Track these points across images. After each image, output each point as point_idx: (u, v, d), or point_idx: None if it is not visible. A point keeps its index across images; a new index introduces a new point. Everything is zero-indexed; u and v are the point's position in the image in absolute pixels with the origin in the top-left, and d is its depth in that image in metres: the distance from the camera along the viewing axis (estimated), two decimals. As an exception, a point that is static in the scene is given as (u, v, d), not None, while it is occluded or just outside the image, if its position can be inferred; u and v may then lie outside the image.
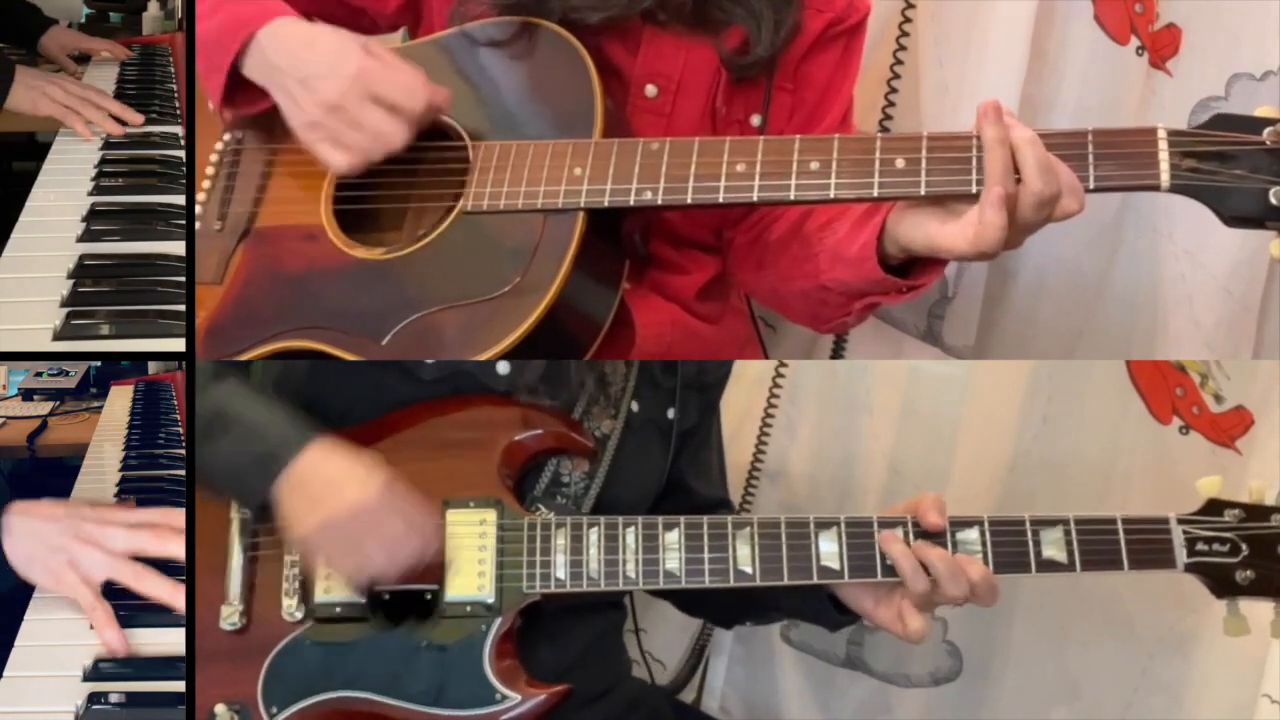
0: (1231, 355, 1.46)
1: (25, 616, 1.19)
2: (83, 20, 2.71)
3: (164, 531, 1.14)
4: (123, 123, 1.75)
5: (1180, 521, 1.06)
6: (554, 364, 1.12)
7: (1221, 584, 1.05)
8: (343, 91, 1.06)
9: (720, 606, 1.30)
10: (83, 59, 2.08)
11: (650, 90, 1.17)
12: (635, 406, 1.17)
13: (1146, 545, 1.06)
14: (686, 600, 1.36)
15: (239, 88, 1.13)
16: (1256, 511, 1.06)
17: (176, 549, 1.15)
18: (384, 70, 1.08)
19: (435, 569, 1.06)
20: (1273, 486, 1.08)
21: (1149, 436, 1.45)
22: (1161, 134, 0.97)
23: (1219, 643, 1.38)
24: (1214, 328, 1.48)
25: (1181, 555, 1.05)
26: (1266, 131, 0.96)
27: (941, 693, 1.61)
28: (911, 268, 1.06)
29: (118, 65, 2.08)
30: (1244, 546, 1.05)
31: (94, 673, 1.09)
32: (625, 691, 1.23)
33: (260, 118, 1.20)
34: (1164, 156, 0.97)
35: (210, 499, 1.09)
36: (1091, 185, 0.98)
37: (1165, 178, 0.97)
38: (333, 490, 1.01)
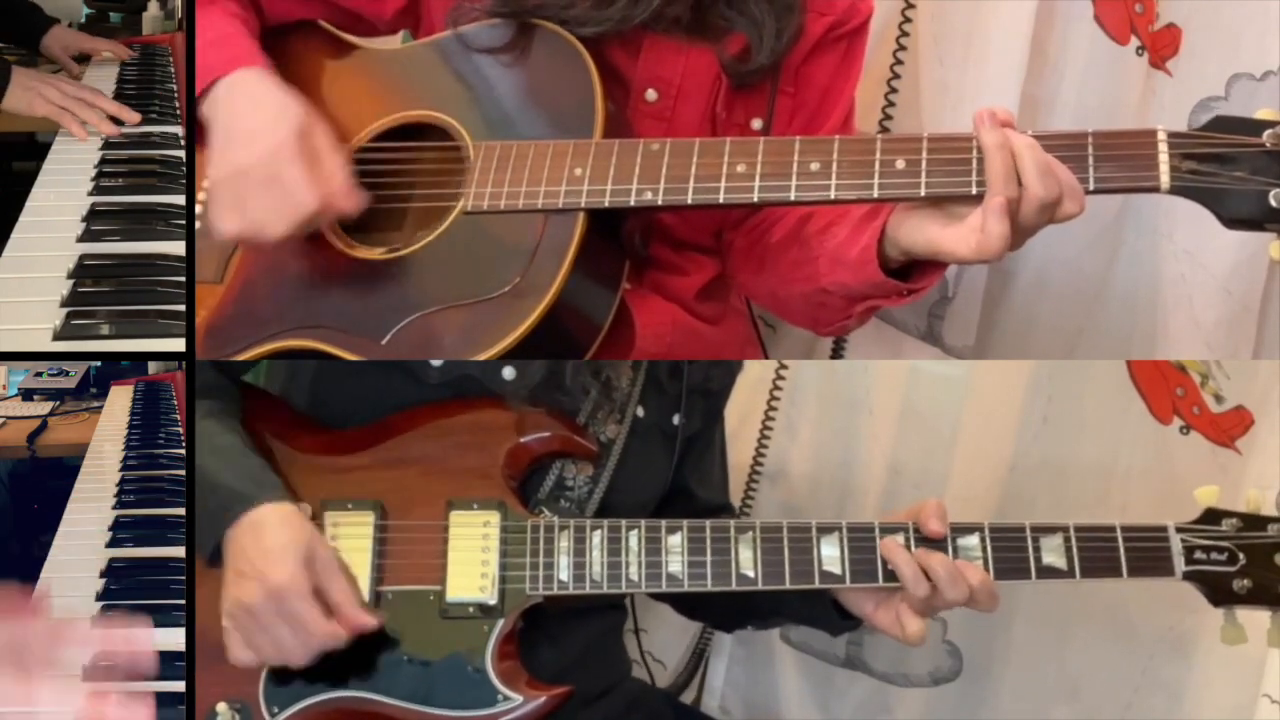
0: (1231, 355, 1.46)
1: (25, 617, 1.19)
2: (83, 20, 2.70)
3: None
4: (119, 122, 1.75)
5: (1179, 530, 1.06)
6: (558, 368, 1.13)
7: (1219, 593, 1.06)
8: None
9: (722, 611, 1.30)
10: (83, 59, 2.08)
11: (650, 95, 1.17)
12: (641, 412, 1.17)
13: (1145, 553, 1.06)
14: (688, 604, 1.36)
15: None
16: (1254, 521, 1.07)
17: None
18: (314, 130, 1.08)
19: (437, 566, 1.06)
20: (1271, 489, 1.08)
21: (1149, 436, 1.45)
22: (1161, 136, 0.97)
23: (1219, 644, 1.37)
24: (1214, 328, 1.48)
25: (1180, 564, 1.06)
26: (1266, 134, 0.96)
27: (941, 693, 1.61)
28: (912, 271, 1.06)
29: (118, 65, 2.08)
30: (1241, 556, 1.06)
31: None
32: (625, 692, 1.23)
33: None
34: (1164, 158, 0.97)
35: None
36: (1091, 187, 0.98)
37: (1165, 180, 0.97)
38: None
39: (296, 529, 1.02)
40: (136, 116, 1.77)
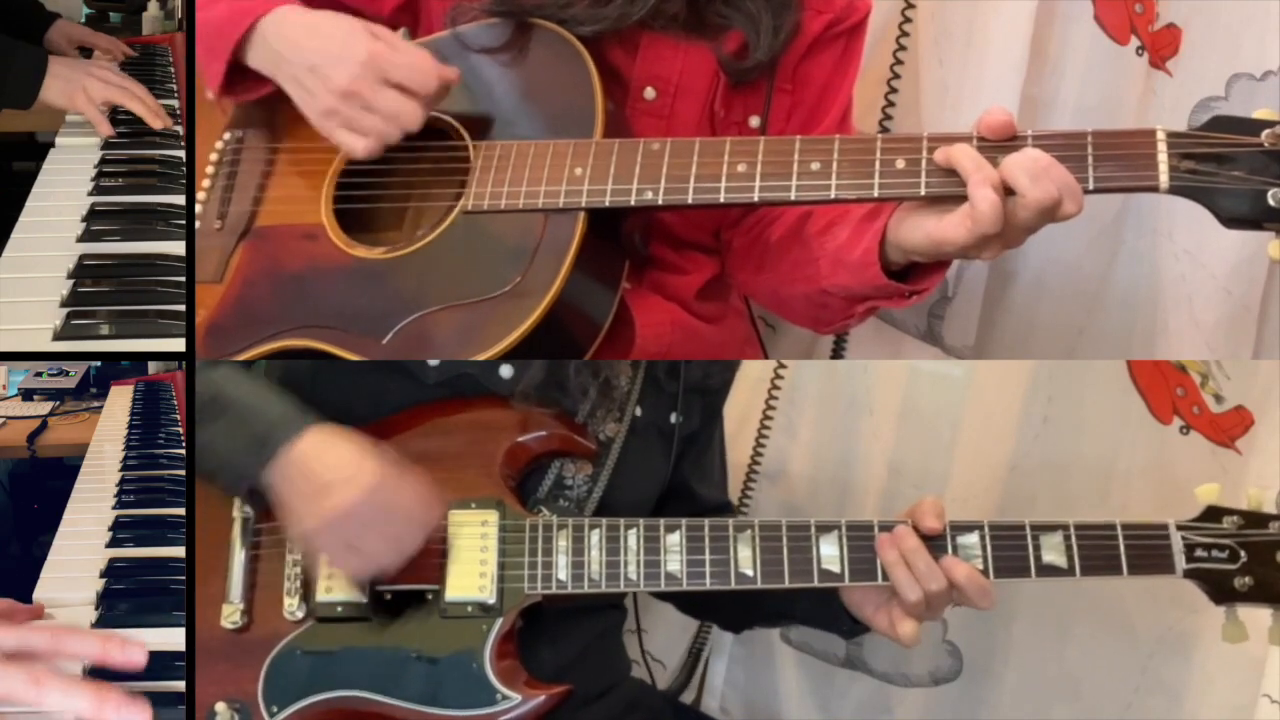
0: (1231, 355, 1.46)
1: (25, 617, 1.19)
2: (83, 20, 2.71)
3: (42, 674, 0.82)
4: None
5: (1179, 528, 1.06)
6: (557, 368, 1.13)
7: (1220, 590, 1.06)
8: (355, 77, 1.06)
9: (729, 611, 1.30)
10: (85, 53, 2.08)
11: (649, 93, 1.17)
12: (639, 411, 1.17)
13: (1146, 551, 1.06)
14: (694, 603, 1.36)
15: (238, 75, 1.13)
16: (1255, 518, 1.06)
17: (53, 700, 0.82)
18: (393, 53, 1.07)
19: (436, 566, 1.06)
20: (1271, 489, 1.08)
21: (1149, 436, 1.45)
22: (1160, 136, 0.97)
23: (1219, 643, 1.37)
24: (1214, 328, 1.48)
25: (1180, 561, 1.06)
26: (1265, 133, 0.96)
27: (941, 693, 1.61)
28: (913, 272, 1.06)
29: (117, 65, 2.08)
30: (1243, 553, 1.06)
31: (94, 672, 1.09)
32: (624, 691, 1.23)
33: (260, 116, 1.20)
34: (1163, 158, 0.97)
35: (207, 486, 1.09)
36: (1091, 186, 0.98)
37: (1164, 179, 0.97)
38: (328, 486, 1.00)
39: (361, 438, 1.02)
40: (168, 121, 1.74)
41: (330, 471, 1.01)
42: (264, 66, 1.11)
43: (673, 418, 1.21)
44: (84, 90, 1.66)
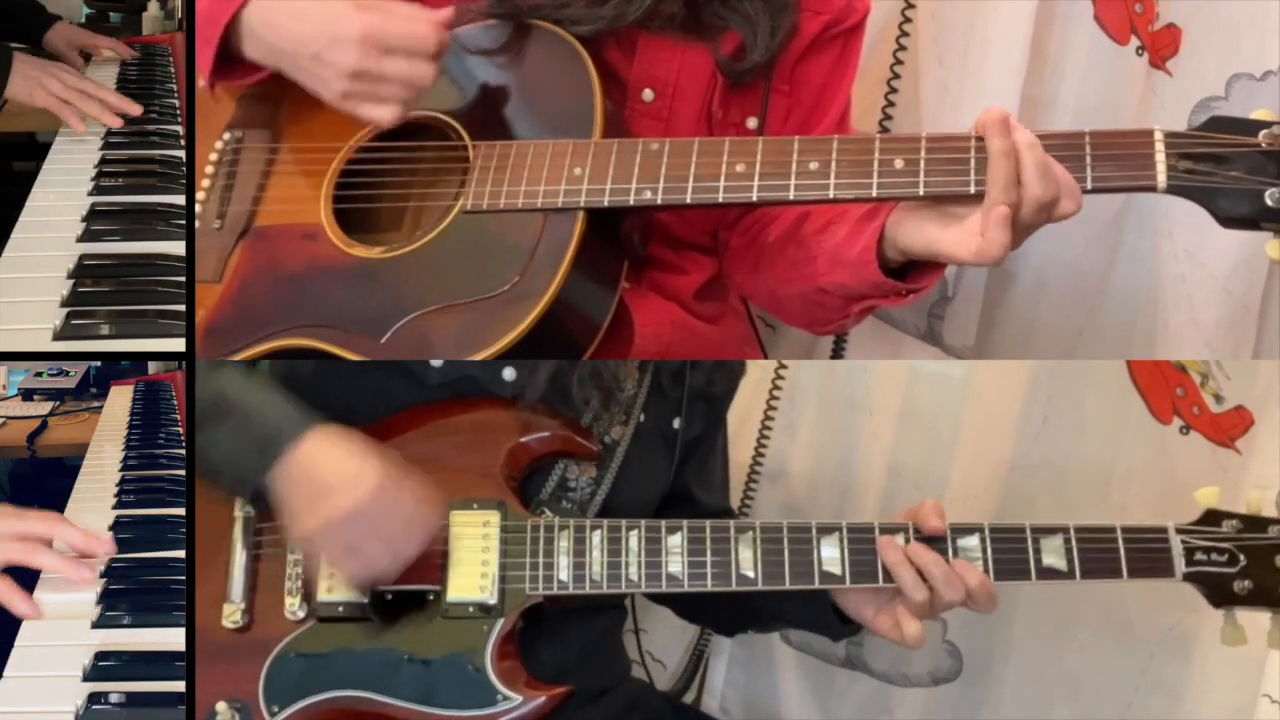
0: (1231, 355, 1.46)
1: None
2: (83, 20, 2.71)
3: (31, 544, 1.17)
4: (122, 115, 1.73)
5: (1179, 531, 1.06)
6: (560, 370, 1.12)
7: (1219, 594, 1.06)
8: (358, 56, 1.05)
9: (722, 614, 1.30)
10: (84, 57, 2.08)
11: (647, 95, 1.17)
12: (643, 417, 1.17)
13: (1146, 554, 1.06)
14: (688, 607, 1.36)
15: (230, 62, 1.12)
16: (1254, 522, 1.07)
17: (43, 560, 1.18)
18: (386, 21, 1.06)
19: (437, 567, 1.06)
20: (1271, 490, 1.08)
21: (1149, 436, 1.45)
22: (1158, 136, 0.98)
23: (1219, 644, 1.37)
24: (1214, 328, 1.48)
25: (1180, 565, 1.06)
26: (1262, 134, 0.96)
27: (941, 693, 1.61)
28: (910, 271, 1.06)
29: (118, 65, 2.08)
30: (1242, 557, 1.06)
31: (94, 673, 1.10)
32: (625, 692, 1.23)
33: (260, 116, 1.20)
34: (1160, 158, 0.97)
35: (209, 488, 1.09)
36: (1089, 186, 0.98)
37: (1162, 179, 0.97)
38: (329, 490, 1.00)
39: (363, 439, 1.02)
40: (138, 108, 1.75)
41: (332, 475, 1.01)
42: (264, 58, 1.11)
43: (675, 423, 1.21)
44: (42, 86, 1.69)
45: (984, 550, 1.07)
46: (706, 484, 1.30)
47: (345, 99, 1.07)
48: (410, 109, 1.08)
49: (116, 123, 1.72)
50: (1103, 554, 1.06)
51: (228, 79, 1.14)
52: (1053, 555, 1.06)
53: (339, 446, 1.03)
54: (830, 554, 1.07)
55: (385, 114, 1.07)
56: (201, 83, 1.17)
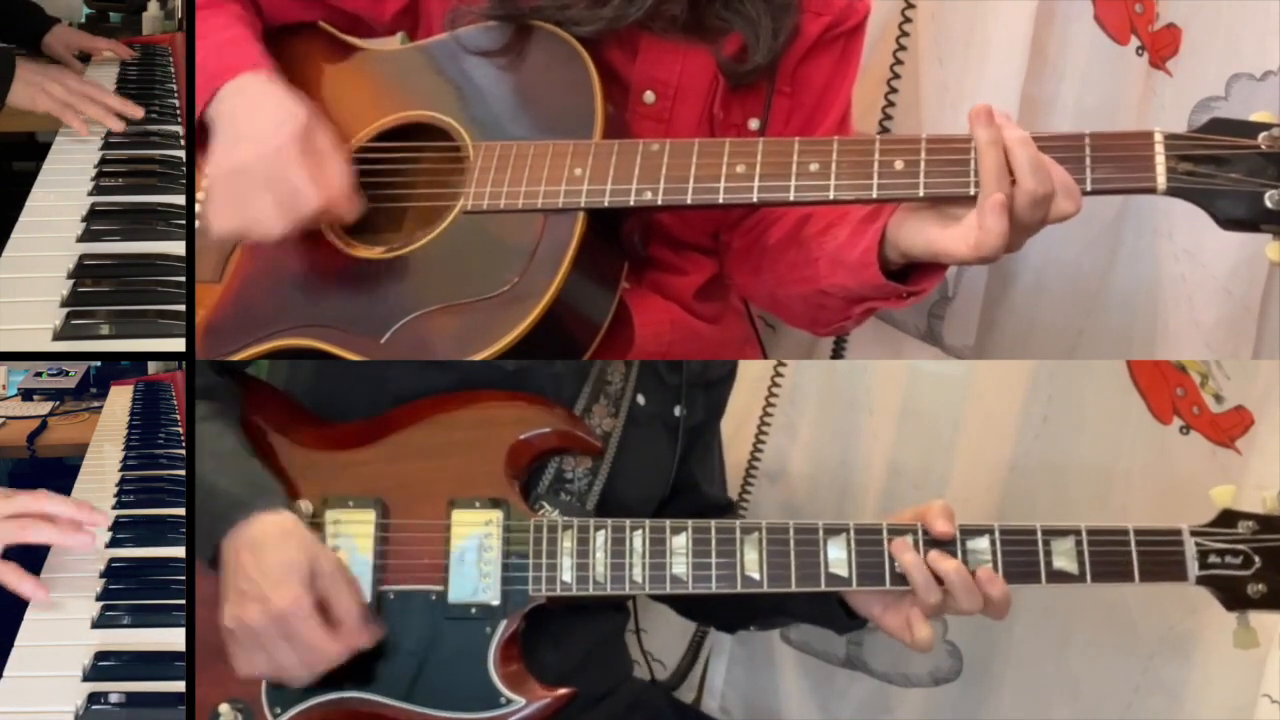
0: (1231, 355, 1.46)
1: (25, 616, 1.19)
2: (83, 20, 2.71)
3: (25, 521, 1.19)
4: (123, 118, 1.74)
5: (1193, 533, 1.05)
6: (553, 364, 1.12)
7: (1233, 597, 1.04)
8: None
9: (724, 612, 1.30)
10: (84, 58, 2.08)
11: (648, 96, 1.17)
12: (641, 400, 1.17)
13: (1158, 557, 1.04)
14: (689, 605, 1.36)
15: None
16: (1270, 523, 1.05)
17: (39, 534, 1.20)
18: (318, 132, 1.09)
19: (439, 566, 1.05)
20: (1271, 490, 1.07)
21: (1149, 436, 1.45)
22: (1158, 137, 0.98)
23: (1219, 643, 1.38)
24: (1214, 328, 1.48)
25: (1193, 568, 1.04)
26: (1262, 136, 0.96)
27: (941, 693, 1.61)
28: (911, 273, 1.06)
29: (118, 65, 2.08)
30: (1256, 559, 1.04)
31: (94, 673, 1.10)
32: (626, 692, 1.23)
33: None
34: (1160, 160, 0.97)
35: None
36: (1089, 188, 0.98)
37: (1161, 181, 0.97)
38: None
39: (297, 543, 1.00)
40: (139, 111, 1.76)
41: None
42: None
43: (677, 410, 1.21)
44: (45, 91, 1.70)
45: (994, 553, 1.05)
46: (710, 476, 1.31)
47: (222, 181, 1.08)
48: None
49: (119, 126, 1.73)
50: (1115, 557, 1.05)
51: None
52: (1064, 558, 1.05)
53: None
54: (837, 555, 1.06)
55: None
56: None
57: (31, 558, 1.26)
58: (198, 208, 1.19)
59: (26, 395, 2.79)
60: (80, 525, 1.24)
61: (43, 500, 1.22)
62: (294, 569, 0.98)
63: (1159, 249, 1.51)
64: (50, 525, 1.21)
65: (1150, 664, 1.45)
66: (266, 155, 1.06)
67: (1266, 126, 0.97)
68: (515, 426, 1.10)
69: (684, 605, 1.36)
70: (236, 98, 1.10)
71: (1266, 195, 0.95)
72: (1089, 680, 1.50)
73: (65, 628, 1.19)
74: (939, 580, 1.04)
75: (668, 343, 1.20)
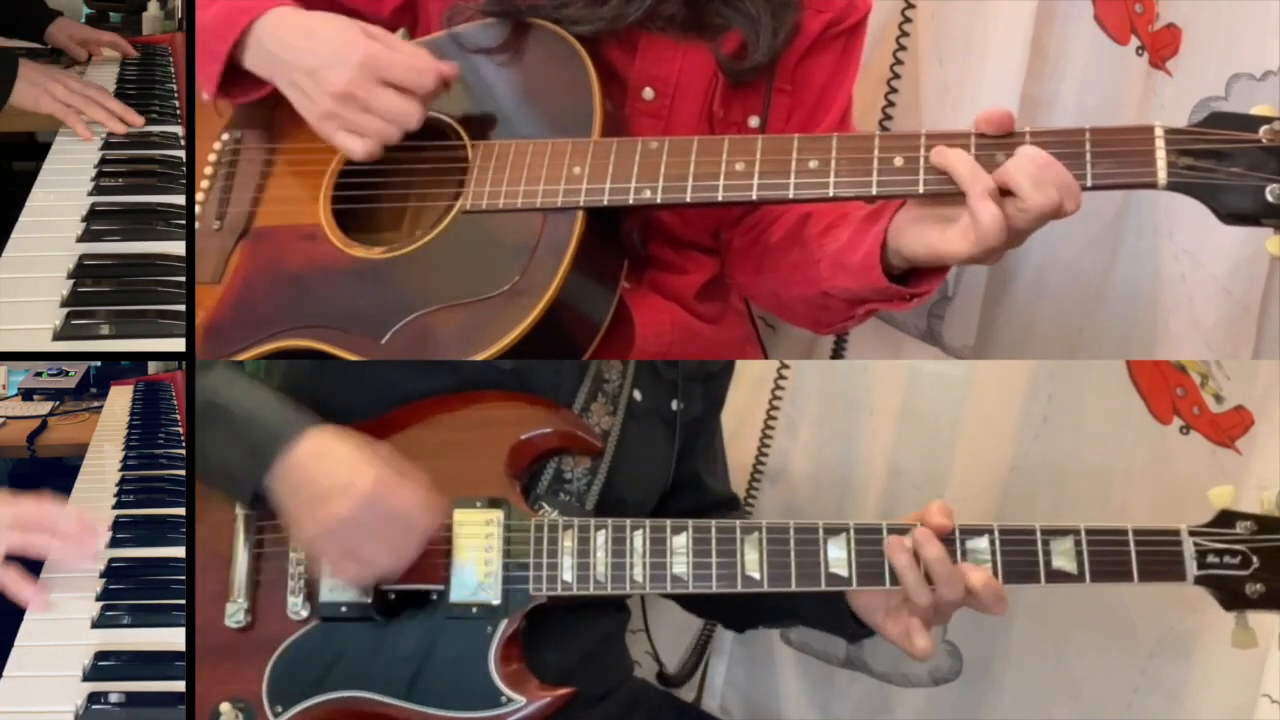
0: (1231, 355, 1.46)
1: (25, 616, 1.19)
2: (83, 20, 2.70)
3: (31, 534, 1.18)
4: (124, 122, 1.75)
5: (1192, 534, 1.05)
6: (551, 364, 1.12)
7: (1231, 597, 1.04)
8: (351, 79, 1.06)
9: (734, 611, 1.30)
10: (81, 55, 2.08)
11: (648, 94, 1.17)
12: (638, 395, 1.17)
13: (1157, 557, 1.05)
14: (697, 603, 1.36)
15: (235, 77, 1.13)
16: (1268, 523, 1.05)
17: (45, 547, 1.20)
18: (389, 52, 1.08)
19: (440, 566, 1.06)
20: (1271, 490, 1.07)
21: (1149, 436, 1.45)
22: (1159, 132, 0.97)
23: (1219, 643, 1.38)
24: (1214, 328, 1.48)
25: (1192, 568, 1.04)
26: (1263, 130, 0.96)
27: (941, 693, 1.60)
28: (913, 275, 1.06)
29: (118, 65, 2.08)
30: (1255, 559, 1.04)
31: (94, 673, 1.10)
32: (627, 692, 1.23)
33: (259, 116, 1.20)
34: (1161, 154, 0.97)
35: (208, 490, 1.09)
36: (1089, 183, 0.98)
37: (1162, 175, 0.97)
38: (326, 494, 1.00)
39: (359, 438, 1.02)
40: (140, 119, 1.76)
41: (328, 478, 1.01)
42: (261, 69, 1.11)
43: (674, 404, 1.21)
44: (48, 93, 1.69)
45: (993, 552, 1.05)
46: (712, 469, 1.31)
47: (326, 119, 1.08)
48: (382, 148, 1.08)
49: (120, 128, 1.73)
50: (1114, 557, 1.05)
51: (232, 95, 1.15)
52: (1063, 558, 1.05)
53: (335, 448, 1.02)
54: (837, 555, 1.06)
55: (359, 147, 1.08)
56: (204, 96, 1.17)
57: (31, 559, 1.26)
58: (198, 206, 1.19)
59: (26, 395, 2.79)
60: (82, 541, 1.24)
61: (46, 508, 1.22)
62: (369, 455, 1.01)
63: (1159, 248, 1.51)
64: (54, 540, 1.21)
65: (1150, 664, 1.45)
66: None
67: (1267, 120, 0.96)
68: (516, 426, 1.10)
69: (692, 602, 1.36)
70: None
71: (1268, 189, 0.95)
72: (1089, 680, 1.50)
73: (65, 628, 1.19)
74: (929, 579, 1.04)
75: (668, 343, 1.20)
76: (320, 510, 1.00)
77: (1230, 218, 0.97)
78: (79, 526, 1.24)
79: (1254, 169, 0.96)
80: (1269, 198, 0.95)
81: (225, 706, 1.04)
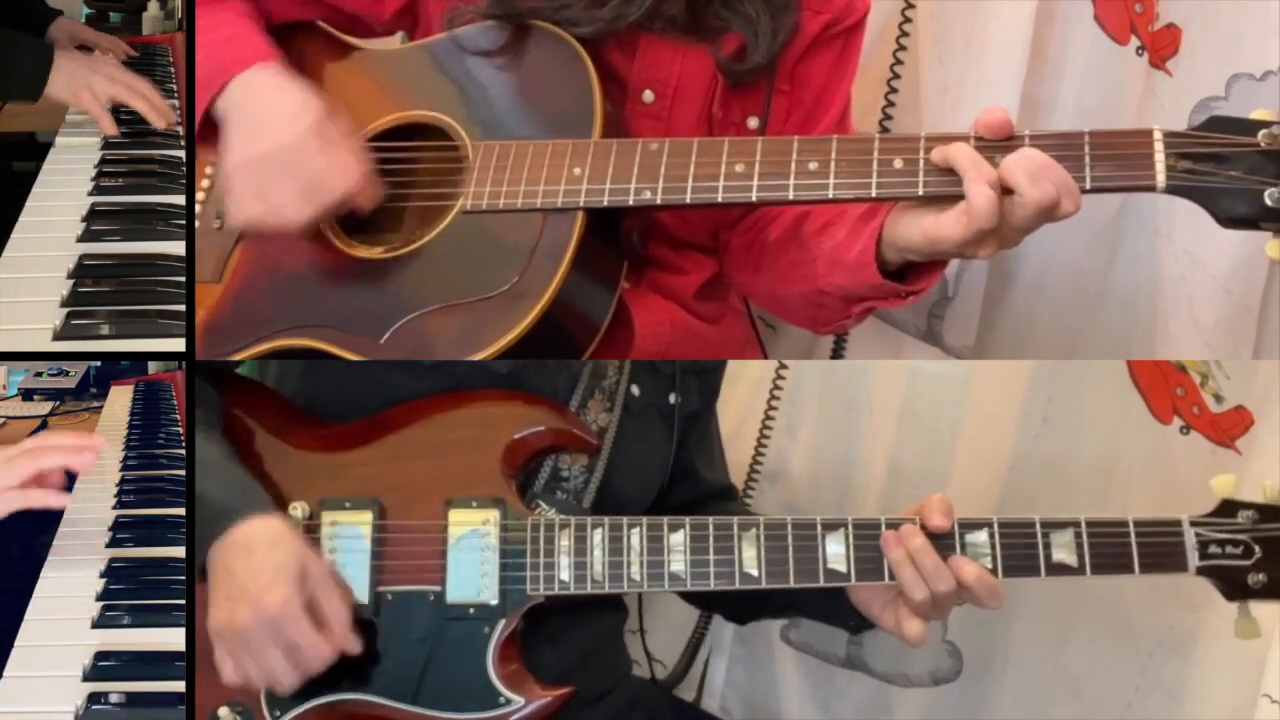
0: (1231, 355, 1.46)
1: (25, 616, 1.19)
2: (83, 20, 2.71)
3: (39, 451, 1.18)
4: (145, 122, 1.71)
5: (1193, 524, 1.05)
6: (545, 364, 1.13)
7: (1233, 587, 1.04)
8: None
9: (736, 603, 1.30)
10: (84, 51, 2.08)
11: (647, 96, 1.17)
12: (636, 390, 1.17)
13: (1158, 548, 1.04)
14: (697, 594, 1.36)
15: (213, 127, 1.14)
16: (1270, 512, 1.04)
17: (52, 459, 1.18)
18: (335, 121, 1.09)
19: (437, 566, 1.05)
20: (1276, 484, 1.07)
21: (1149, 436, 1.45)
22: (1157, 135, 0.97)
23: (1219, 643, 1.38)
24: (1214, 328, 1.48)
25: (1193, 558, 1.04)
26: (1261, 134, 0.96)
27: (941, 693, 1.60)
28: (910, 272, 1.06)
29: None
30: (1257, 549, 1.03)
31: (94, 673, 1.10)
32: (626, 691, 1.23)
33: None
34: (1160, 158, 0.97)
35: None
36: (1088, 186, 0.98)
37: (1161, 179, 0.97)
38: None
39: (287, 545, 0.99)
40: (174, 118, 1.73)
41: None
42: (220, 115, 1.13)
43: (671, 398, 1.21)
44: (89, 87, 1.64)
45: (993, 545, 1.05)
46: (709, 461, 1.31)
47: (240, 170, 1.10)
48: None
49: (160, 123, 1.69)
50: (1114, 548, 1.04)
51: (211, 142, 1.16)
52: (1063, 550, 1.05)
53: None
54: (835, 551, 1.06)
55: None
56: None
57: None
58: (199, 199, 1.19)
59: (26, 395, 2.79)
60: (83, 450, 1.21)
61: (45, 435, 1.22)
62: (284, 570, 0.98)
63: (1159, 249, 1.51)
64: (59, 451, 1.19)
65: (1150, 663, 1.45)
66: (287, 145, 1.07)
67: (1266, 124, 0.96)
68: (511, 425, 1.10)
69: (693, 594, 1.36)
70: (249, 90, 1.11)
71: (1266, 193, 0.95)
72: (1089, 680, 1.50)
73: (65, 628, 1.19)
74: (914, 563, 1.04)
75: (667, 343, 1.20)
76: (254, 135, 1.04)
77: (1229, 221, 0.97)
78: (79, 439, 1.22)
79: (1253, 173, 0.96)
80: (1268, 201, 0.95)
81: (224, 711, 1.04)
